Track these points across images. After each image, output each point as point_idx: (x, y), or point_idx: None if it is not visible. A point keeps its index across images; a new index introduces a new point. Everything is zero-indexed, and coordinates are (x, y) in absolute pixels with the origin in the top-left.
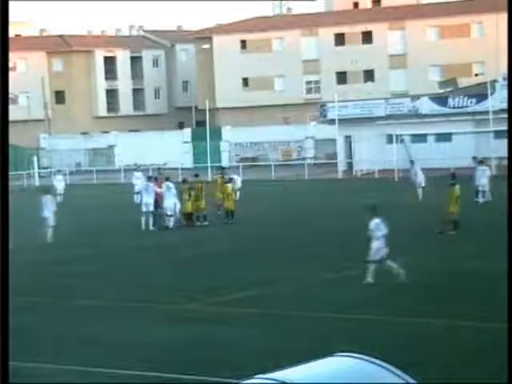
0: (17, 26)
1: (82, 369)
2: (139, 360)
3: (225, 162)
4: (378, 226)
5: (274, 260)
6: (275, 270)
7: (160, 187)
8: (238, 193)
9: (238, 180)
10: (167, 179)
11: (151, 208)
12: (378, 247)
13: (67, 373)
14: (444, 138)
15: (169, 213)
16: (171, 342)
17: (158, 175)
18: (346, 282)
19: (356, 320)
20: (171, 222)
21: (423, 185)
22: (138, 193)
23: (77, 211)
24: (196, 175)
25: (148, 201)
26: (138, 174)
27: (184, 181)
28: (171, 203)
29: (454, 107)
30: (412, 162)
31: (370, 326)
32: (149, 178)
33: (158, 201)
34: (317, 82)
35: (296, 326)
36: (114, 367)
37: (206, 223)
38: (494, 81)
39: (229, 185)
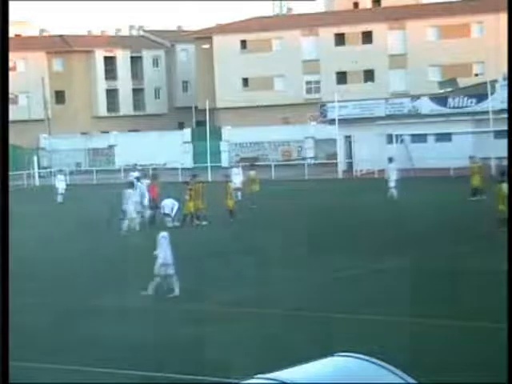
0: (17, 26)
1: (80, 368)
2: (139, 360)
3: (225, 162)
4: (162, 240)
5: (272, 260)
6: (274, 270)
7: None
8: (239, 193)
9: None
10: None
11: (139, 208)
12: (162, 261)
13: (69, 372)
14: (444, 138)
15: (167, 212)
16: (171, 341)
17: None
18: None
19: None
20: (170, 222)
21: (394, 184)
22: None
23: (78, 210)
24: (194, 175)
25: (136, 200)
26: (135, 175)
27: (186, 182)
28: (169, 203)
29: (454, 107)
30: (390, 160)
31: None
32: (137, 179)
33: (156, 200)
34: (317, 82)
35: (297, 325)
36: (113, 367)
37: (204, 223)
38: (494, 81)
39: (229, 184)
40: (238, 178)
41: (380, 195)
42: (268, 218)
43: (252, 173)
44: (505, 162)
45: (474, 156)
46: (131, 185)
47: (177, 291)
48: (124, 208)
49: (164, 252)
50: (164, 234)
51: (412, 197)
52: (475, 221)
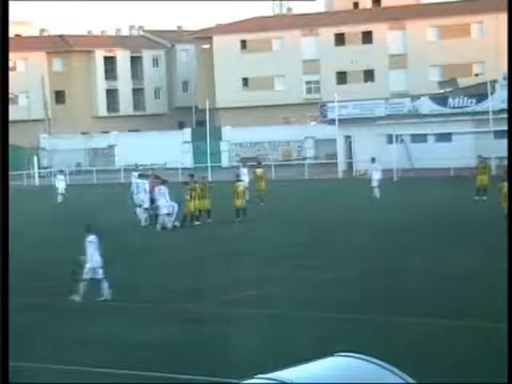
0: (17, 26)
1: (80, 369)
2: (139, 360)
3: (225, 162)
4: (90, 244)
5: (273, 260)
6: (274, 270)
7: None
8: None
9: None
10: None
11: (145, 205)
12: (92, 265)
13: (67, 373)
14: (444, 138)
15: (166, 212)
16: (171, 341)
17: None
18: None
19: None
20: (170, 222)
21: (376, 184)
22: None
23: (78, 210)
24: (191, 175)
25: (140, 198)
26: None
27: (186, 182)
28: (169, 203)
29: (454, 107)
30: (373, 160)
31: None
32: (140, 176)
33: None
34: (317, 82)
35: (297, 326)
36: (113, 367)
37: (199, 223)
38: (494, 81)
39: (240, 183)
40: (245, 177)
41: (381, 195)
42: (273, 218)
43: (259, 170)
44: (505, 162)
45: (481, 156)
46: (164, 181)
47: (107, 294)
48: (157, 205)
49: (92, 256)
50: (91, 238)
51: (415, 197)
52: (486, 219)
